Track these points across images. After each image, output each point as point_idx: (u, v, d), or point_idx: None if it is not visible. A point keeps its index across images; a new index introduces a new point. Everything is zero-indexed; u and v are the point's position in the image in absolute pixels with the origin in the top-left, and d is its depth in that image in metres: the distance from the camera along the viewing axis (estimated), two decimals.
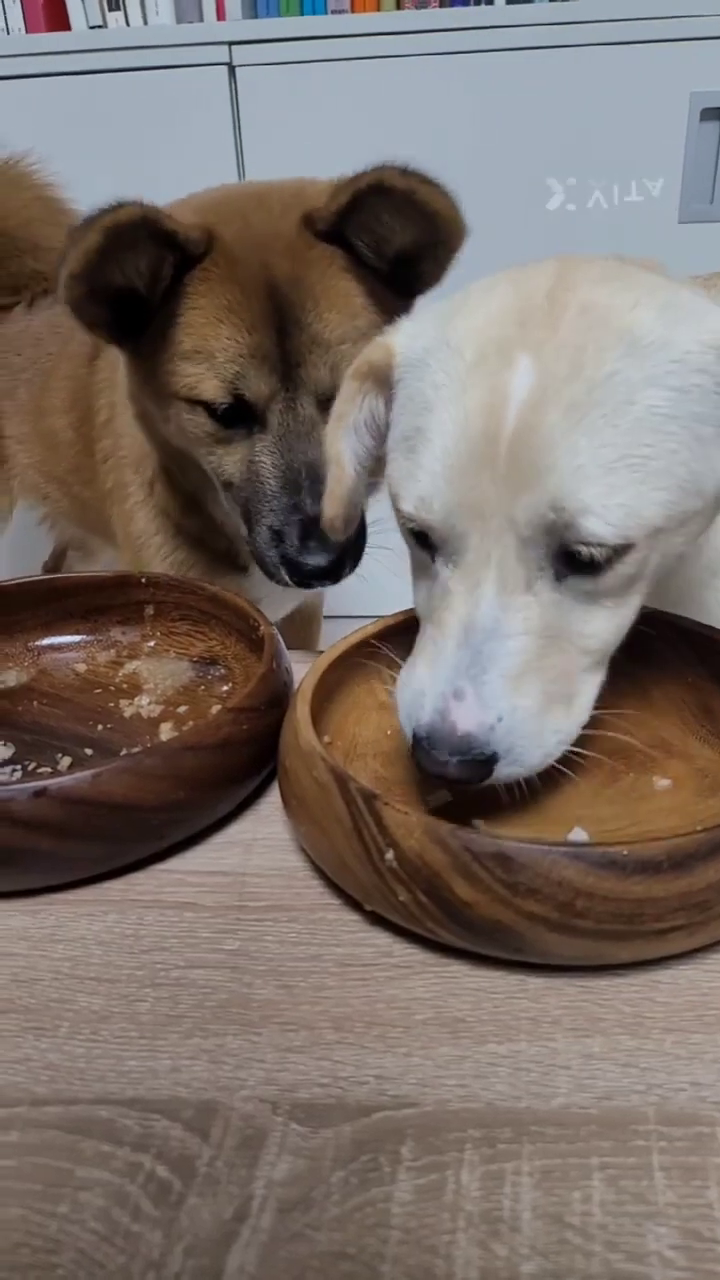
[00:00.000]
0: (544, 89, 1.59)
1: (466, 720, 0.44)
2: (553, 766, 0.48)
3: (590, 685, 0.49)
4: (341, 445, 0.54)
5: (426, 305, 0.55)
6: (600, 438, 0.43)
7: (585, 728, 0.49)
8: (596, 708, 0.50)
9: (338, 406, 0.55)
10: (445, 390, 0.46)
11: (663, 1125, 0.35)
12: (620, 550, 0.45)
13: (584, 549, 0.44)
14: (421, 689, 0.46)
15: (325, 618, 1.45)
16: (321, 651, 0.57)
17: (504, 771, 0.46)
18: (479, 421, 0.44)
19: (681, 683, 0.59)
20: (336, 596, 1.75)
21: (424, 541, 0.48)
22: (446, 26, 1.56)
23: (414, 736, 0.46)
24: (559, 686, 0.47)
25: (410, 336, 0.51)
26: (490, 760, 0.45)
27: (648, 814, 0.52)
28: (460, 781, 0.45)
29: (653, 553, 0.47)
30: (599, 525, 0.44)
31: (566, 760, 0.48)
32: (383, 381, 0.53)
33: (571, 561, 0.45)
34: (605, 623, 0.48)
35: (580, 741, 0.49)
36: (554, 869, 0.39)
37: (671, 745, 0.57)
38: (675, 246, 1.67)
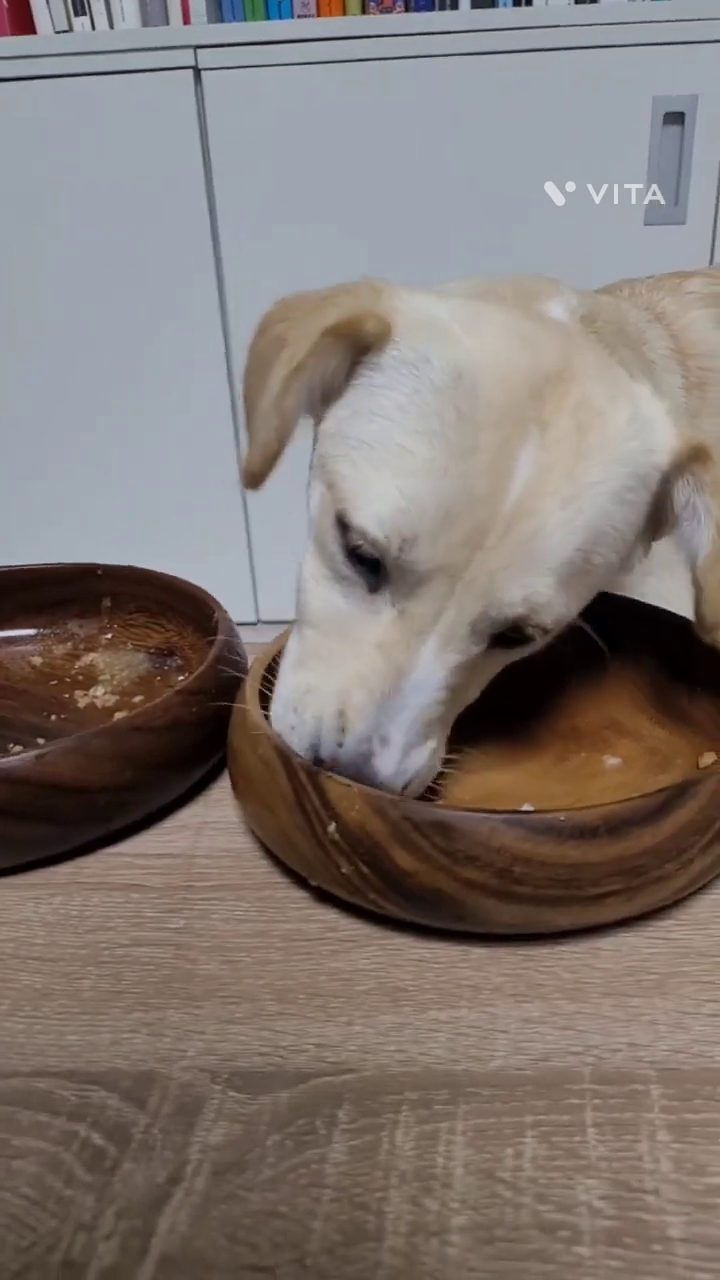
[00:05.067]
0: (508, 93, 1.61)
1: (387, 767, 0.45)
2: None
3: (453, 718, 0.52)
4: (292, 400, 0.48)
5: (420, 285, 0.51)
6: (579, 542, 0.46)
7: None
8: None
9: (298, 354, 0.47)
10: (452, 432, 0.44)
11: (597, 1084, 0.36)
12: (544, 636, 0.48)
13: (530, 630, 0.47)
14: (333, 719, 0.46)
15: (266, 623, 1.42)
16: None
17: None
18: (483, 485, 0.44)
19: (634, 664, 0.59)
20: (275, 596, 1.75)
21: (362, 562, 0.47)
22: (411, 31, 1.58)
23: (321, 762, 0.45)
24: (446, 727, 0.50)
25: (414, 328, 0.48)
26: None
27: (597, 791, 0.53)
28: None
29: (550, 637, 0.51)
30: (549, 618, 0.46)
31: None
32: (358, 348, 0.49)
33: (501, 638, 0.48)
34: (483, 682, 0.52)
35: None
36: (492, 836, 0.39)
37: (623, 725, 0.58)
38: (641, 249, 1.69)
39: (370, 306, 0.48)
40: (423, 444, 0.45)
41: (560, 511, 0.45)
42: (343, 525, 0.47)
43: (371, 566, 0.47)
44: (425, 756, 0.47)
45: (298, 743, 0.46)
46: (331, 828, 0.42)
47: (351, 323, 0.48)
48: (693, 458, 0.48)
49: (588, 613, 0.61)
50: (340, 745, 0.45)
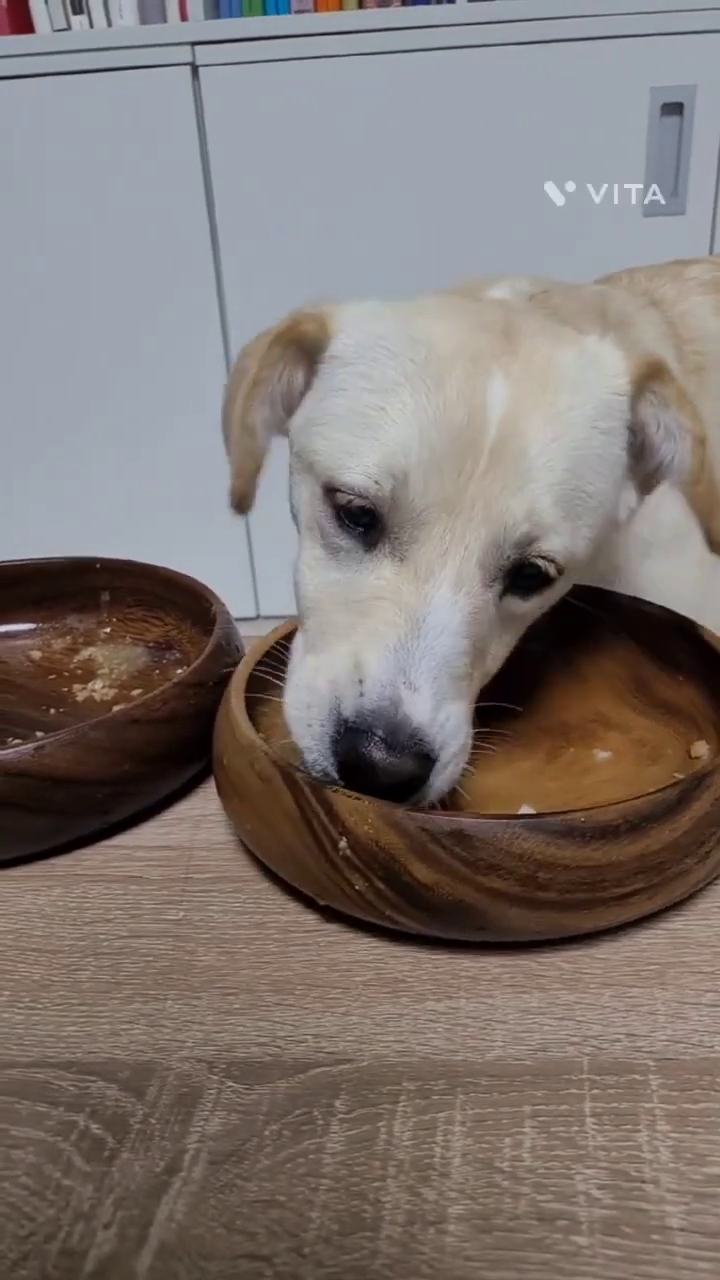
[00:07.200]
0: (507, 86, 1.60)
1: (421, 712, 0.41)
2: None
3: (477, 690, 0.48)
4: (257, 415, 0.51)
5: (361, 298, 0.53)
6: (568, 462, 0.46)
7: None
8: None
9: (256, 371, 0.50)
10: (416, 377, 0.45)
11: (596, 1074, 0.35)
12: (556, 576, 0.47)
13: (541, 563, 0.46)
14: (349, 674, 0.42)
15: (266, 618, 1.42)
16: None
17: (436, 781, 0.43)
18: (460, 411, 0.44)
19: (614, 656, 0.59)
20: (276, 591, 1.74)
21: (356, 522, 0.46)
22: (409, 25, 1.57)
23: (347, 725, 0.41)
24: (472, 698, 0.46)
25: (358, 319, 0.50)
26: (429, 762, 0.41)
27: (591, 786, 0.52)
28: (395, 785, 0.40)
29: (561, 586, 0.50)
30: (558, 543, 0.46)
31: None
32: (307, 354, 0.51)
33: (515, 580, 0.47)
34: (503, 650, 0.50)
35: None
36: (514, 842, 0.38)
37: (609, 718, 0.57)
38: (639, 241, 1.68)
39: (307, 313, 0.51)
40: (390, 397, 0.46)
41: (545, 429, 0.45)
42: (330, 491, 0.47)
43: (366, 523, 0.46)
44: (459, 719, 0.43)
45: (317, 714, 0.42)
46: (343, 844, 0.40)
47: (291, 328, 0.51)
48: (650, 375, 0.49)
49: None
50: (361, 695, 0.41)
